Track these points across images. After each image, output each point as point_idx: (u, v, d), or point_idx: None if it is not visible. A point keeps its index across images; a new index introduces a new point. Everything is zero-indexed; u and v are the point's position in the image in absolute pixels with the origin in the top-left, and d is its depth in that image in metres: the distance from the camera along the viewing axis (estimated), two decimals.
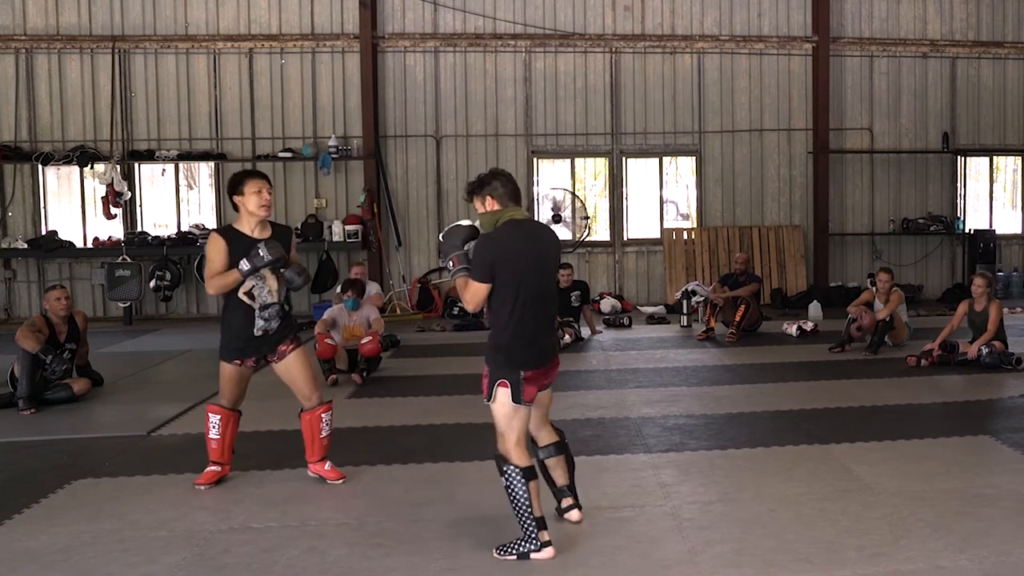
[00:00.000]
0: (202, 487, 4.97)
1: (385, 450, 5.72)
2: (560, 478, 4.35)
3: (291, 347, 4.95)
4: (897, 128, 14.35)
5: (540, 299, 4.07)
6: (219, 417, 5.03)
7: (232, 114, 13.43)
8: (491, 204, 4.10)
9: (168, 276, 12.77)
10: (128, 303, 12.82)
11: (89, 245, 13.19)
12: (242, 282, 4.76)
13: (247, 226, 4.89)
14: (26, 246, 12.83)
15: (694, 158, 14.17)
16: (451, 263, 4.09)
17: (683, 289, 12.04)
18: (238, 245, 4.78)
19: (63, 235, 13.02)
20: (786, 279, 13.98)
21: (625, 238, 14.18)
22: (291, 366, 4.97)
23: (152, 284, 12.72)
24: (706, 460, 5.50)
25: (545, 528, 3.93)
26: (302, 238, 13.03)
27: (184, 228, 13.36)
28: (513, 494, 3.91)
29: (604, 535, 4.25)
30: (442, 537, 4.23)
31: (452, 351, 9.93)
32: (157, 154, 13.23)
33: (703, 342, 10.30)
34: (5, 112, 13.16)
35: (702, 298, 11.46)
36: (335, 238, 13.05)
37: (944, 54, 14.31)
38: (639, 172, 14.32)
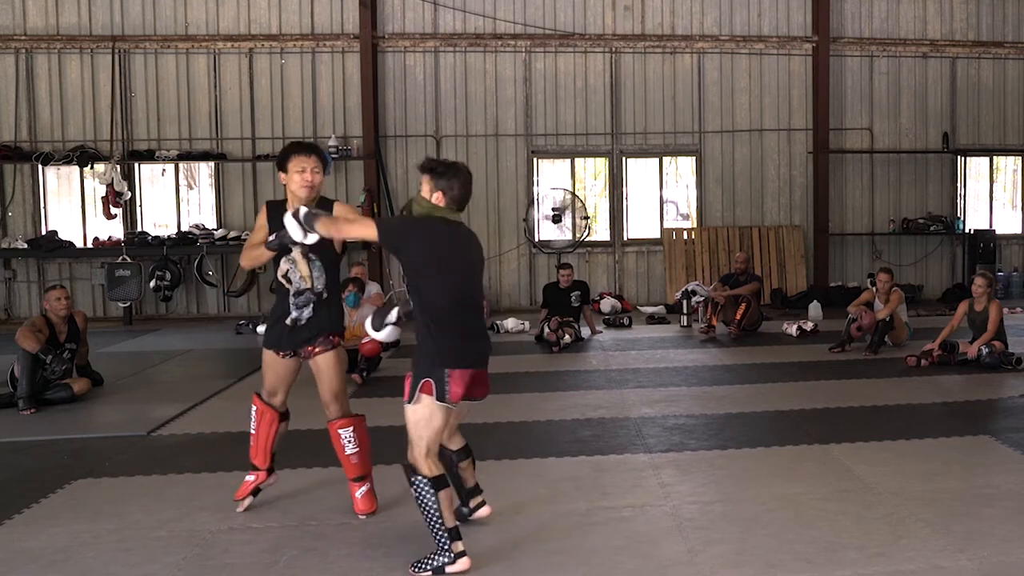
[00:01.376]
0: (241, 504, 4.63)
1: (385, 450, 5.72)
2: (471, 479, 4.37)
3: (322, 349, 4.47)
4: (897, 128, 14.35)
5: (470, 301, 3.96)
6: (256, 408, 4.66)
7: (232, 114, 13.43)
8: (438, 198, 3.92)
9: (168, 276, 12.77)
10: (128, 303, 12.81)
11: (89, 245, 13.19)
12: (277, 263, 4.43)
13: (290, 204, 4.45)
14: (26, 246, 12.82)
15: (694, 158, 14.17)
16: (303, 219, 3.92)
17: (683, 289, 12.03)
18: (277, 222, 4.32)
19: (63, 235, 13.02)
20: (786, 279, 13.98)
21: (625, 238, 14.17)
22: (318, 369, 4.52)
23: (152, 284, 12.72)
24: (706, 460, 5.50)
25: (459, 539, 3.80)
26: None
27: (184, 228, 13.35)
28: (423, 505, 3.78)
29: (604, 535, 4.25)
30: None
31: None
32: (157, 154, 13.23)
33: (703, 342, 10.30)
34: (5, 112, 13.16)
35: (702, 298, 11.46)
36: None
37: (944, 54, 14.32)
38: (639, 172, 14.32)
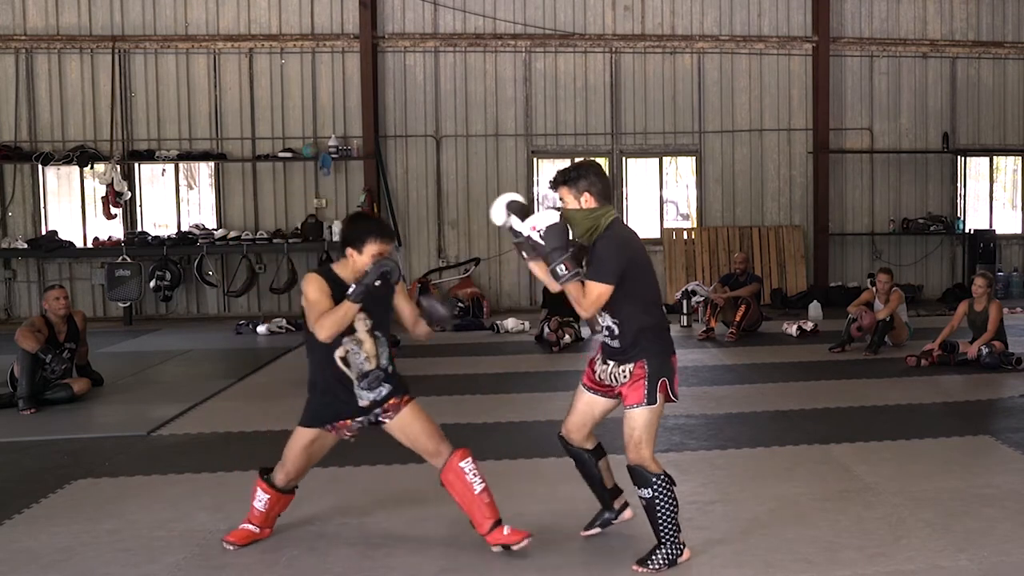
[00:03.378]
0: (230, 546, 4.17)
1: (385, 450, 5.70)
2: (609, 479, 4.26)
3: (405, 399, 4.10)
4: (897, 128, 14.35)
5: (659, 293, 4.03)
6: (268, 498, 4.21)
7: (232, 114, 13.43)
8: (588, 201, 3.82)
9: (168, 276, 12.77)
10: (128, 303, 12.81)
11: (89, 245, 13.18)
12: (329, 345, 3.96)
13: (348, 274, 4.02)
14: (26, 246, 12.82)
15: (694, 158, 14.17)
16: (563, 267, 3.68)
17: (683, 289, 12.03)
18: (337, 289, 3.97)
19: (63, 235, 13.01)
20: (786, 279, 13.98)
21: None
22: (407, 421, 4.07)
23: (152, 284, 12.72)
24: (706, 460, 5.50)
25: (680, 531, 3.90)
26: (302, 238, 13.05)
27: (184, 228, 13.35)
28: (663, 502, 3.78)
29: (604, 535, 4.25)
30: (442, 537, 4.23)
31: (452, 351, 9.93)
32: (157, 154, 13.23)
33: (703, 342, 10.30)
34: (5, 112, 13.15)
35: (702, 298, 11.46)
36: (335, 238, 13.03)
37: (944, 54, 14.31)
38: (639, 172, 14.32)
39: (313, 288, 3.96)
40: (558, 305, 10.38)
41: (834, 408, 6.87)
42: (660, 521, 3.80)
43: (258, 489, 4.21)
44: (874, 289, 9.75)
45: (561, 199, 3.89)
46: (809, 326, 10.69)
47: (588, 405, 4.07)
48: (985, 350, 8.28)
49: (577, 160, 3.98)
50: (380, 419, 4.10)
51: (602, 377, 3.96)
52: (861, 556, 3.94)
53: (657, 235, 14.17)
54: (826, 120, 13.92)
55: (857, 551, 3.99)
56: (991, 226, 14.57)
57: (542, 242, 3.72)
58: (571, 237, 3.81)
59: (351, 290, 3.87)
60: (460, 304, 12.64)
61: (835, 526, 4.29)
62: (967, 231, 14.33)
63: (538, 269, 3.87)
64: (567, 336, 9.97)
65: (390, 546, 4.15)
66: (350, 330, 3.96)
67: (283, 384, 8.21)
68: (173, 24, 13.26)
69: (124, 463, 5.64)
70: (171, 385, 8.36)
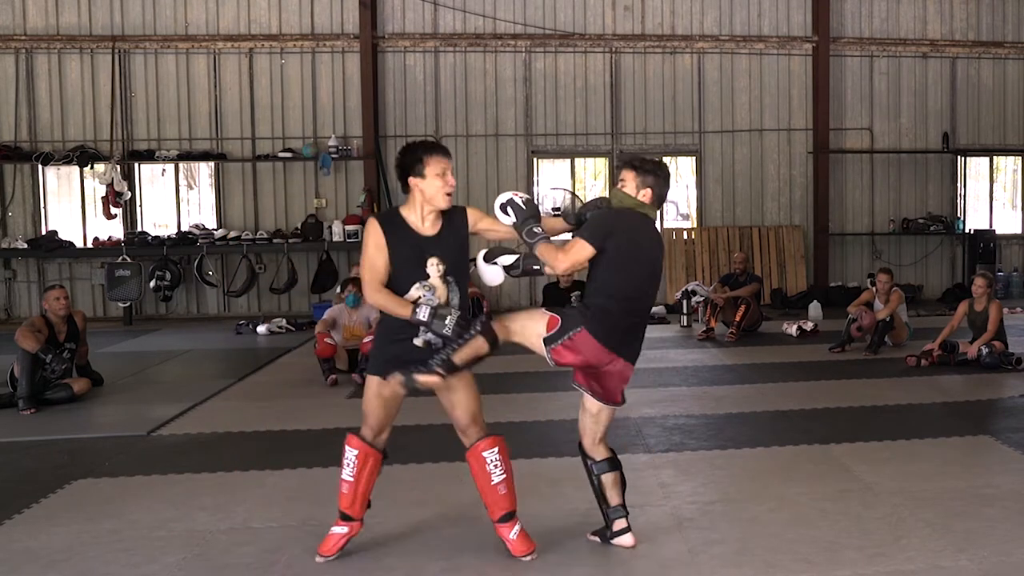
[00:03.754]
0: (322, 559, 3.96)
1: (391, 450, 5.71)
2: (614, 497, 4.06)
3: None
4: (897, 128, 14.35)
5: (645, 297, 3.93)
6: (356, 453, 3.94)
7: (232, 114, 13.43)
8: (647, 196, 3.89)
9: (168, 276, 12.77)
10: (128, 303, 12.81)
11: (89, 245, 13.19)
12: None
13: (417, 214, 3.84)
14: (26, 246, 12.82)
15: (694, 158, 14.17)
16: (539, 228, 3.79)
17: (683, 289, 12.02)
18: (401, 241, 3.80)
19: (63, 235, 13.02)
20: (786, 279, 13.98)
21: None
22: (452, 389, 3.94)
23: (152, 284, 12.72)
24: (706, 460, 5.50)
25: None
26: (302, 238, 13.05)
27: (184, 228, 13.35)
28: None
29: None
30: (442, 537, 4.23)
31: None
32: (157, 154, 13.23)
33: (703, 342, 10.30)
34: (5, 112, 13.15)
35: (702, 298, 11.46)
36: (335, 238, 13.05)
37: (944, 54, 14.31)
38: None
39: (370, 240, 3.80)
40: (558, 305, 10.38)
41: (834, 408, 6.86)
42: None
43: (346, 447, 3.95)
44: (874, 289, 9.74)
45: (621, 179, 3.91)
46: (809, 326, 10.69)
47: (582, 406, 4.07)
48: (985, 350, 8.27)
49: (658, 159, 4.06)
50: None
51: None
52: (861, 556, 3.94)
53: None
54: (826, 120, 13.92)
55: (857, 551, 3.99)
56: (991, 226, 14.57)
57: (514, 217, 3.80)
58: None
59: (418, 313, 3.70)
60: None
61: (835, 526, 4.28)
62: (967, 231, 14.33)
63: (542, 252, 3.79)
64: None
65: (390, 546, 4.15)
66: (423, 275, 3.81)
67: (283, 384, 8.22)
68: (173, 24, 13.26)
69: (124, 463, 5.64)
70: (171, 385, 8.36)
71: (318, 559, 3.97)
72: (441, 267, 3.82)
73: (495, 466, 3.92)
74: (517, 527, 3.94)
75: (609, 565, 3.89)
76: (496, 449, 3.95)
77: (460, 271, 3.91)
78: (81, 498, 4.94)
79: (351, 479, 3.94)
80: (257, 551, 4.12)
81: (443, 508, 4.65)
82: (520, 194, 3.92)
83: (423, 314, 3.72)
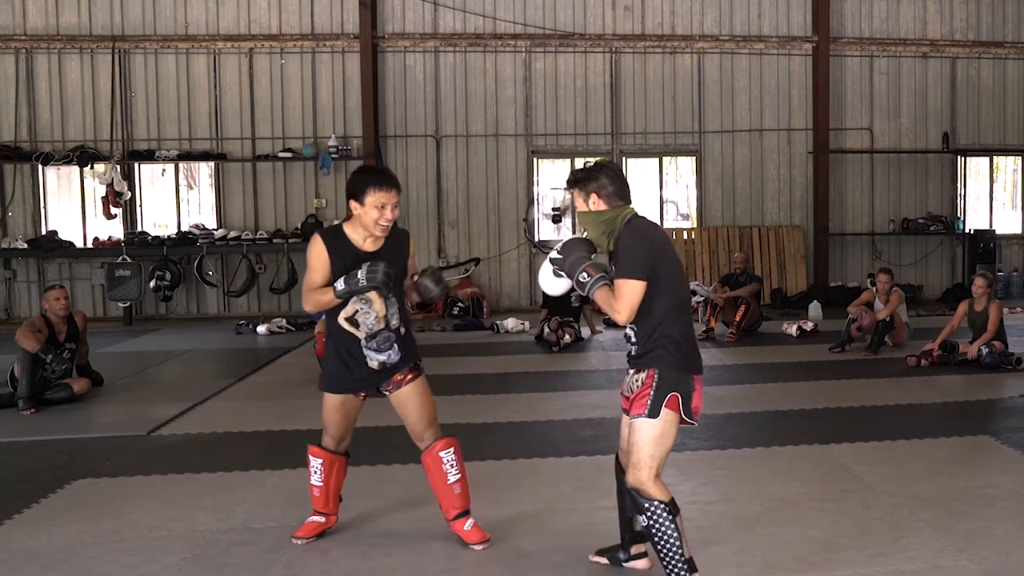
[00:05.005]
0: (300, 541, 4.18)
1: (385, 450, 5.72)
2: (638, 522, 3.74)
3: (409, 376, 4.05)
4: (897, 128, 14.35)
5: (688, 301, 3.61)
6: (320, 462, 4.19)
7: (232, 114, 13.43)
8: (596, 203, 3.51)
9: (168, 276, 12.78)
10: (128, 303, 12.82)
11: (89, 245, 13.20)
12: (343, 304, 3.91)
13: (358, 234, 3.96)
14: (26, 246, 12.83)
15: (694, 158, 14.17)
16: (585, 274, 3.43)
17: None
18: (341, 255, 3.91)
19: (63, 235, 13.02)
20: (786, 279, 13.98)
21: None
22: (405, 398, 4.05)
23: (152, 284, 12.73)
24: (706, 460, 5.50)
25: (696, 570, 3.45)
26: (302, 238, 13.05)
27: (184, 228, 13.36)
28: (660, 533, 3.36)
29: (605, 535, 4.24)
30: (442, 537, 4.22)
31: (452, 351, 9.93)
32: (157, 154, 13.23)
33: (703, 342, 10.29)
34: (5, 112, 13.16)
35: (702, 298, 11.46)
36: None
37: (944, 54, 14.32)
38: (639, 172, 14.31)
39: (313, 253, 3.94)
40: (558, 305, 10.39)
41: (834, 408, 6.86)
42: (661, 554, 3.41)
43: (310, 457, 4.20)
44: (874, 289, 9.74)
45: (576, 205, 3.63)
46: (809, 326, 10.69)
47: (626, 427, 3.63)
48: (985, 350, 8.27)
49: (590, 160, 3.74)
50: (382, 391, 4.07)
51: (624, 389, 3.61)
52: (861, 556, 3.94)
53: None
54: (826, 120, 13.93)
55: (857, 551, 3.99)
56: (991, 226, 14.58)
57: (560, 256, 3.51)
58: (595, 248, 3.55)
59: (338, 284, 3.84)
60: (457, 299, 12.66)
61: (835, 526, 4.28)
62: (967, 231, 14.33)
63: (600, 298, 3.45)
64: (567, 336, 9.97)
65: (390, 546, 4.15)
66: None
67: (283, 384, 8.22)
68: (173, 24, 13.27)
69: (124, 463, 5.64)
70: (171, 385, 8.36)
71: (295, 541, 4.18)
72: None
73: (451, 466, 4.06)
74: (471, 520, 4.10)
75: (609, 565, 3.89)
76: (452, 450, 4.08)
77: (397, 286, 3.99)
78: (81, 498, 4.93)
79: (321, 484, 4.21)
80: (257, 551, 4.12)
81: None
82: (556, 246, 3.59)
83: (362, 332, 3.91)
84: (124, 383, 8.32)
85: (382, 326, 3.93)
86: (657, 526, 3.37)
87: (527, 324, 11.45)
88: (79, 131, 13.23)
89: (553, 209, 13.14)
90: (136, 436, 6.34)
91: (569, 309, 10.39)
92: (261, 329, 11.69)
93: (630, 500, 3.49)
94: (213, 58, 13.35)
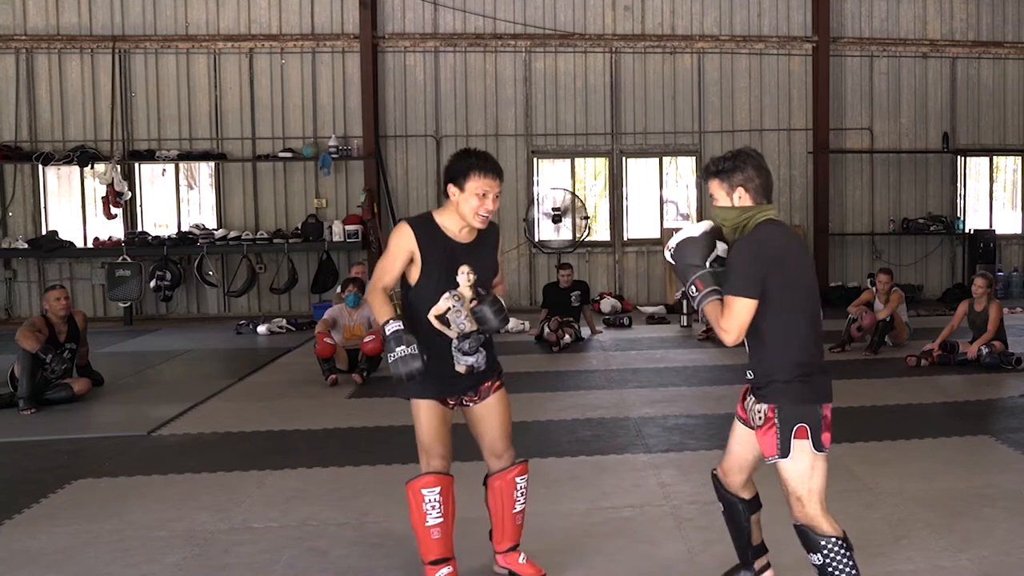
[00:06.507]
0: None
1: (385, 450, 5.72)
2: (758, 535, 3.60)
3: (496, 385, 3.70)
4: (897, 128, 14.35)
5: (817, 319, 3.20)
6: (438, 490, 3.49)
7: (232, 114, 13.43)
8: (743, 197, 3.14)
9: (168, 276, 12.77)
10: (128, 303, 12.82)
11: (89, 245, 13.19)
12: (426, 298, 3.53)
13: (453, 223, 3.55)
14: (26, 246, 12.83)
15: (694, 158, 14.17)
16: (694, 287, 3.19)
17: (683, 289, 11.99)
18: (434, 242, 3.52)
19: (63, 235, 13.02)
20: None
21: (625, 238, 14.18)
22: (489, 410, 3.67)
23: (152, 284, 12.73)
24: (706, 460, 5.48)
25: None
26: (302, 238, 13.05)
27: (184, 228, 13.35)
28: (838, 572, 3.11)
29: (604, 535, 4.25)
30: None
31: None
32: (157, 154, 13.23)
33: (703, 342, 10.29)
34: (5, 112, 13.16)
35: None
36: (335, 238, 13.05)
37: (944, 54, 14.31)
38: (639, 172, 14.31)
39: (393, 239, 3.53)
40: (558, 305, 10.40)
41: (834, 408, 6.81)
42: None
43: (423, 491, 3.49)
44: (874, 289, 9.74)
45: (712, 195, 3.26)
46: None
47: (742, 445, 3.38)
48: (985, 350, 8.27)
49: (733, 150, 3.28)
50: (466, 402, 3.65)
51: (746, 404, 3.39)
52: (861, 556, 3.92)
53: (657, 235, 14.16)
54: (826, 120, 13.92)
55: (857, 551, 3.97)
56: (991, 226, 14.57)
57: (673, 262, 3.22)
58: (714, 251, 3.21)
59: (388, 328, 3.40)
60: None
61: None
62: (967, 231, 14.33)
63: (708, 313, 3.18)
64: (567, 336, 9.97)
65: (390, 546, 4.15)
66: (452, 284, 3.52)
67: (283, 384, 8.22)
68: (173, 24, 13.26)
69: (124, 463, 5.64)
70: (171, 385, 8.36)
71: None
72: (472, 277, 3.55)
73: (522, 494, 3.74)
74: (524, 555, 3.81)
75: (610, 565, 3.89)
76: (526, 476, 3.77)
77: (488, 286, 3.64)
78: (81, 498, 4.94)
79: (441, 519, 3.52)
80: (257, 551, 4.12)
81: None
82: (676, 238, 3.29)
83: (453, 332, 3.53)
84: (124, 383, 8.32)
85: (474, 327, 3.55)
86: (835, 564, 3.11)
87: (527, 324, 11.44)
88: (79, 131, 13.23)
89: (553, 209, 13.14)
90: (136, 436, 6.34)
91: (569, 309, 10.40)
92: (261, 329, 11.69)
93: (800, 537, 3.20)
94: (213, 58, 13.35)
